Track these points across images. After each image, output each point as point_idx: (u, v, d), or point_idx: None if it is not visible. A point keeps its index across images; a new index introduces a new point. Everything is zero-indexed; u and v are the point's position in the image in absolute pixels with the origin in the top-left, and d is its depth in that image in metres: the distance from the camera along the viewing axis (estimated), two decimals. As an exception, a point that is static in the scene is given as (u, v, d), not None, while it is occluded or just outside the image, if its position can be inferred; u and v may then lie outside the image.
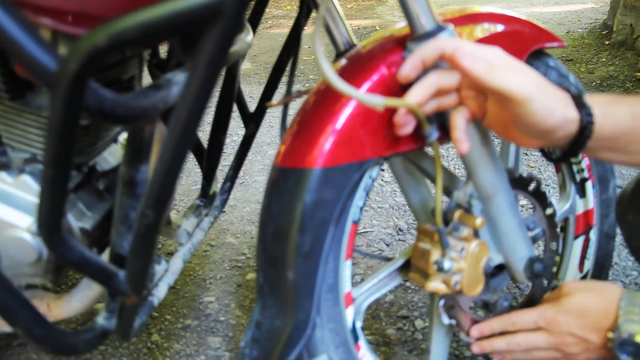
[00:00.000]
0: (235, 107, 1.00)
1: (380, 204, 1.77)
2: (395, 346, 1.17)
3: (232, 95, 0.97)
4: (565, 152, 0.64)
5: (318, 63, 0.56)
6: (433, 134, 0.64)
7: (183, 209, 1.73)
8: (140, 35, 0.37)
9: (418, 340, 1.18)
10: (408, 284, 1.36)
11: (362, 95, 0.55)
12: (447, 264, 0.69)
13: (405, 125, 0.63)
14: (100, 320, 0.72)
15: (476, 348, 0.76)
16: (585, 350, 0.67)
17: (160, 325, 1.23)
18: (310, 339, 0.70)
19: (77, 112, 0.43)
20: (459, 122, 0.62)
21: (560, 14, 4.80)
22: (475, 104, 0.63)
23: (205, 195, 1.05)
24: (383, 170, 2.00)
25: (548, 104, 0.58)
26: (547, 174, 1.94)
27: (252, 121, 1.06)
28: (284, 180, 0.65)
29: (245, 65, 3.51)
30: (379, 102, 0.56)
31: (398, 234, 1.59)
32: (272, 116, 2.55)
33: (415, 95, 0.59)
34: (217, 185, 1.09)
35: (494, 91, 0.58)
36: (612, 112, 0.61)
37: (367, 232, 1.62)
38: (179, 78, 0.62)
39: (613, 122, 0.60)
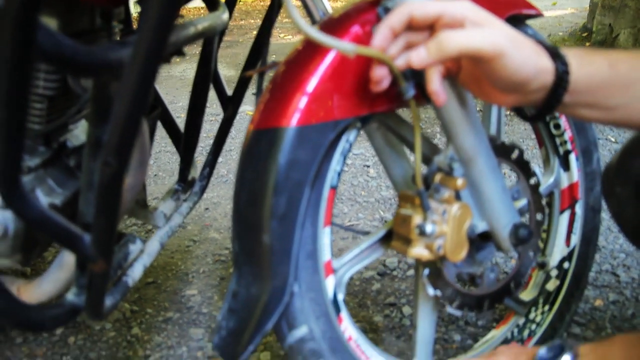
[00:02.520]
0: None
1: (366, 198, 1.75)
2: (383, 332, 1.14)
3: (208, 75, 0.95)
4: (543, 107, 0.62)
5: (290, 15, 0.54)
6: (409, 90, 0.62)
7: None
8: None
9: (406, 326, 1.16)
10: (395, 272, 1.34)
11: (334, 42, 0.54)
12: (429, 228, 0.67)
13: (381, 82, 0.62)
14: (70, 296, 0.69)
15: None
16: None
17: (141, 319, 1.19)
18: (289, 309, 0.67)
19: (26, 48, 0.41)
20: (434, 75, 0.61)
21: (542, 19, 4.86)
22: (450, 63, 0.61)
23: (184, 179, 1.02)
24: (368, 166, 1.99)
25: (520, 54, 0.56)
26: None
27: (231, 104, 1.04)
28: (258, 142, 0.64)
29: (230, 72, 3.51)
30: (351, 48, 0.54)
31: (384, 226, 1.57)
32: (257, 118, 2.53)
33: (380, 38, 0.57)
34: (196, 171, 1.07)
35: (465, 55, 0.56)
36: (587, 61, 0.59)
37: (353, 224, 1.60)
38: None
39: (589, 71, 0.59)
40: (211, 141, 1.09)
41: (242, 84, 1.01)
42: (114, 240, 0.55)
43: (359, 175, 1.91)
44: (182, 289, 1.30)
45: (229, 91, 1.04)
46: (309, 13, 0.82)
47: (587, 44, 3.64)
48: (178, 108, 2.58)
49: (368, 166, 1.98)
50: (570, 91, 0.60)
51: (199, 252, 1.46)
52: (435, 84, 0.59)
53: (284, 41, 4.53)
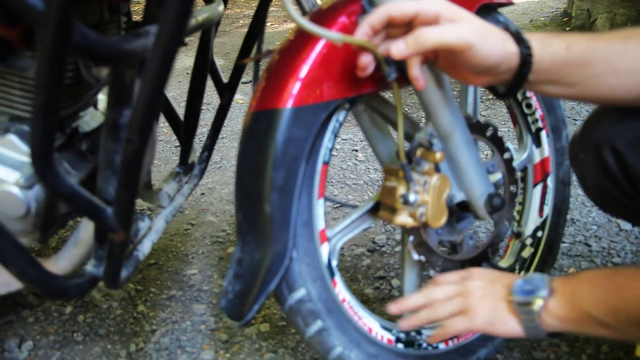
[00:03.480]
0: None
1: (355, 181, 1.83)
2: (374, 303, 1.23)
3: (206, 64, 1.02)
4: (511, 85, 0.70)
5: (284, 6, 0.61)
6: (391, 74, 0.70)
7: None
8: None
9: (395, 297, 1.24)
10: (384, 248, 1.42)
11: (324, 31, 0.61)
12: (412, 197, 0.75)
13: (367, 67, 0.69)
14: (89, 267, 0.76)
15: (403, 324, 0.79)
16: (486, 295, 0.74)
17: (145, 297, 1.26)
18: (288, 273, 0.75)
19: (65, 41, 0.47)
20: (414, 62, 0.68)
21: (524, 4, 4.94)
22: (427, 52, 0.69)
23: (185, 162, 1.09)
24: (357, 150, 2.06)
25: (488, 44, 0.64)
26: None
27: (227, 91, 1.11)
28: (257, 122, 0.71)
29: (218, 62, 3.54)
30: (339, 37, 0.61)
31: (373, 206, 1.65)
32: (247, 106, 2.60)
33: (361, 33, 0.64)
34: (195, 155, 1.14)
35: (439, 49, 0.64)
36: (548, 44, 0.67)
37: (342, 205, 1.68)
38: (155, 29, 0.67)
39: (550, 52, 0.67)
40: (204, 129, 1.16)
41: (237, 72, 1.08)
42: (134, 211, 0.62)
43: (348, 159, 1.99)
44: (183, 268, 1.37)
45: (225, 79, 1.11)
46: (299, 4, 0.89)
47: (567, 28, 3.74)
48: (170, 98, 2.63)
49: (356, 150, 2.06)
50: (534, 70, 0.68)
51: (197, 235, 1.53)
52: (416, 70, 0.67)
53: (271, 30, 4.57)
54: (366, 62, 0.68)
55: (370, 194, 1.74)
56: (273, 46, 0.76)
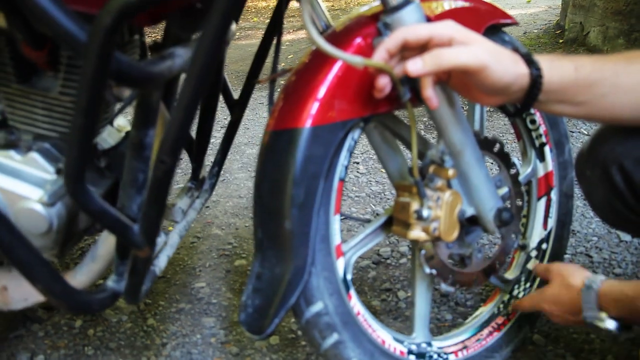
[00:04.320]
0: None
1: (358, 193, 1.86)
2: (381, 315, 1.25)
3: (218, 83, 1.04)
4: (522, 105, 0.73)
5: (307, 30, 0.64)
6: (406, 94, 0.72)
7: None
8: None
9: (402, 308, 1.26)
10: (389, 261, 1.45)
11: (345, 55, 0.64)
12: (425, 212, 0.78)
13: (384, 89, 0.71)
14: (110, 283, 0.78)
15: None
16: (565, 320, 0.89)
17: (155, 311, 1.28)
18: (307, 287, 0.77)
19: (106, 66, 0.49)
20: (427, 82, 0.71)
21: (517, 17, 4.95)
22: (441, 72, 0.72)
23: (196, 178, 1.11)
24: (358, 163, 2.09)
25: (501, 65, 0.67)
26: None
27: (237, 107, 1.13)
28: (277, 140, 0.73)
29: (216, 75, 3.56)
30: (359, 61, 0.64)
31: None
32: (247, 119, 2.62)
33: (381, 53, 0.67)
34: (206, 170, 1.16)
35: (455, 69, 0.66)
36: (557, 66, 0.70)
37: (356, 220, 1.70)
38: (179, 52, 0.69)
39: (559, 73, 0.70)
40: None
41: (247, 89, 1.10)
42: (159, 229, 0.64)
43: (350, 171, 2.01)
44: (191, 282, 1.39)
45: (235, 95, 1.13)
46: (314, 24, 0.92)
47: (560, 40, 3.80)
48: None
49: (358, 163, 2.08)
50: (544, 91, 0.70)
51: (203, 248, 1.54)
52: (429, 90, 0.69)
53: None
54: (383, 84, 0.70)
55: (373, 207, 1.76)
56: (294, 68, 0.79)
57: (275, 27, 1.00)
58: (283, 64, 3.53)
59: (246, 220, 1.69)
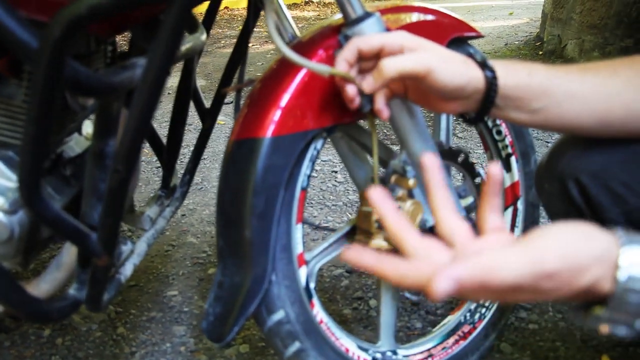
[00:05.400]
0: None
1: (334, 202, 1.87)
2: (352, 323, 1.25)
3: (189, 91, 1.05)
4: (479, 110, 0.74)
5: (273, 40, 0.65)
6: (366, 105, 0.74)
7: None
8: (114, 4, 0.45)
9: (373, 317, 1.27)
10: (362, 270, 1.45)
11: (311, 64, 0.65)
12: (386, 222, 0.79)
13: (355, 99, 0.72)
14: (72, 291, 0.77)
15: None
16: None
17: (125, 319, 1.27)
18: (268, 296, 0.77)
19: (58, 75, 0.50)
20: (379, 97, 0.72)
21: (499, 28, 5.10)
22: (394, 84, 0.73)
23: (167, 186, 1.11)
24: (336, 172, 2.10)
25: (449, 68, 0.68)
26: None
27: (209, 116, 1.14)
28: (239, 150, 0.74)
29: (200, 82, 3.57)
30: (326, 69, 0.65)
31: (352, 227, 1.68)
32: (228, 127, 2.62)
33: (341, 63, 0.68)
34: (177, 178, 1.16)
35: (403, 75, 0.68)
36: (511, 69, 0.72)
37: (320, 229, 1.71)
38: (141, 62, 0.70)
39: (513, 78, 0.71)
40: (185, 149, 1.18)
41: (219, 98, 1.11)
42: (118, 237, 0.64)
43: (327, 180, 2.03)
44: (164, 290, 1.38)
45: (207, 102, 1.14)
46: (280, 35, 0.93)
47: (540, 52, 3.87)
48: (150, 119, 2.64)
49: (335, 172, 2.09)
50: (500, 95, 0.71)
51: (177, 256, 1.54)
52: (380, 103, 0.71)
53: (252, 50, 4.63)
54: (353, 93, 0.71)
55: (350, 215, 1.77)
56: (254, 67, 0.80)
57: (243, 41, 1.01)
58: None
59: (222, 228, 1.69)
